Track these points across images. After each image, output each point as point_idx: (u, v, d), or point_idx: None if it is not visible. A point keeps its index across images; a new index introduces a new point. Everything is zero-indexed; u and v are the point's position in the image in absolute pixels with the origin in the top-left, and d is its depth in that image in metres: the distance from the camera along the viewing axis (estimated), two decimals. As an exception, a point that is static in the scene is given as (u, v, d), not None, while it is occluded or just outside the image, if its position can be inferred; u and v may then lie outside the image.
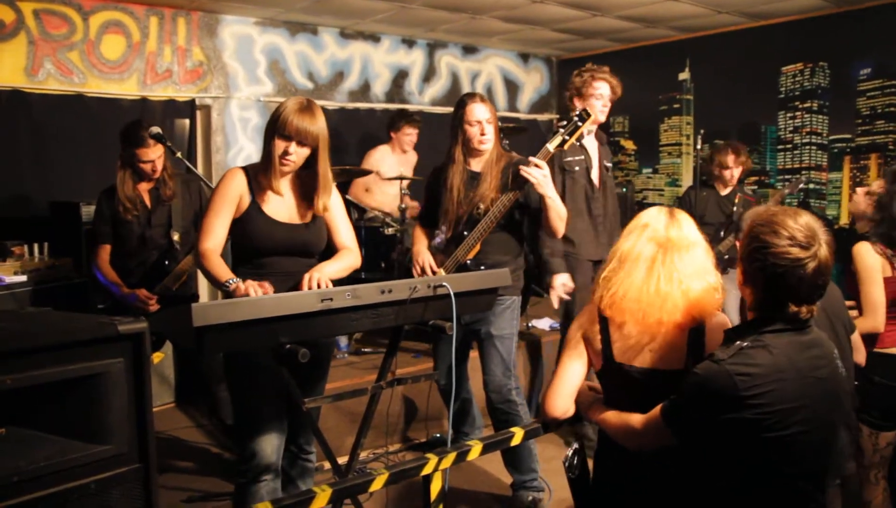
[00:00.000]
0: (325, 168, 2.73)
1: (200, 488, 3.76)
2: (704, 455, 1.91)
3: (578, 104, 3.98)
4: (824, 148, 5.99)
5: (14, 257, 4.23)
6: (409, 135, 5.81)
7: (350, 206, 5.37)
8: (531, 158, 3.19)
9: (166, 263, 3.81)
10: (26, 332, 1.79)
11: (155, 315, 3.59)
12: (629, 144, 7.47)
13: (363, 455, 4.11)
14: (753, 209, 3.17)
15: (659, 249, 2.10)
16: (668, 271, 2.07)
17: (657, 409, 1.96)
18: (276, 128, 2.62)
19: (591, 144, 4.14)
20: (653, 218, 2.17)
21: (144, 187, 3.80)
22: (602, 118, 4.05)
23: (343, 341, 4.71)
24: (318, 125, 2.66)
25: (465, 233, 3.36)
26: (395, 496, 3.66)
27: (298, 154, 2.66)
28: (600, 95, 4.00)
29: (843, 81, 5.83)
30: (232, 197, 2.67)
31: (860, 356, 2.98)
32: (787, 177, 6.18)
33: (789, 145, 6.19)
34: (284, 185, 2.75)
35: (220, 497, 3.65)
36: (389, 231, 5.03)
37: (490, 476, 3.98)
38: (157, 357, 4.06)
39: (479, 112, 3.36)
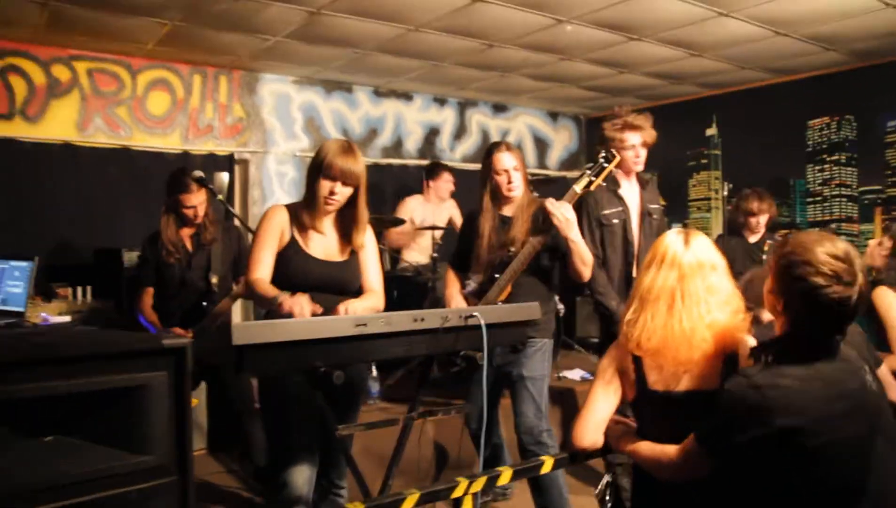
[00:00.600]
0: (363, 206, 2.84)
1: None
2: (739, 475, 1.91)
3: None
4: (854, 200, 5.99)
5: (59, 299, 4.38)
6: (448, 183, 5.92)
7: (382, 254, 5.47)
8: (557, 202, 3.24)
9: (204, 304, 3.92)
10: (77, 342, 1.88)
11: (197, 338, 3.68)
12: (660, 201, 7.52)
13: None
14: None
15: (678, 279, 2.12)
16: (689, 305, 2.09)
17: (691, 436, 1.97)
18: (321, 169, 2.73)
19: (629, 191, 3.96)
20: (669, 244, 2.20)
21: (186, 233, 3.95)
22: (638, 168, 3.91)
23: (374, 387, 4.74)
24: (360, 166, 2.78)
25: (497, 276, 3.42)
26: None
27: (342, 194, 2.77)
28: (631, 145, 3.82)
29: (870, 133, 5.88)
30: (275, 231, 2.78)
31: (892, 391, 2.94)
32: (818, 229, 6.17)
33: (819, 198, 6.21)
34: (324, 223, 2.85)
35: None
36: (420, 279, 5.11)
37: (522, 521, 3.92)
38: (194, 401, 4.13)
39: (505, 161, 3.44)
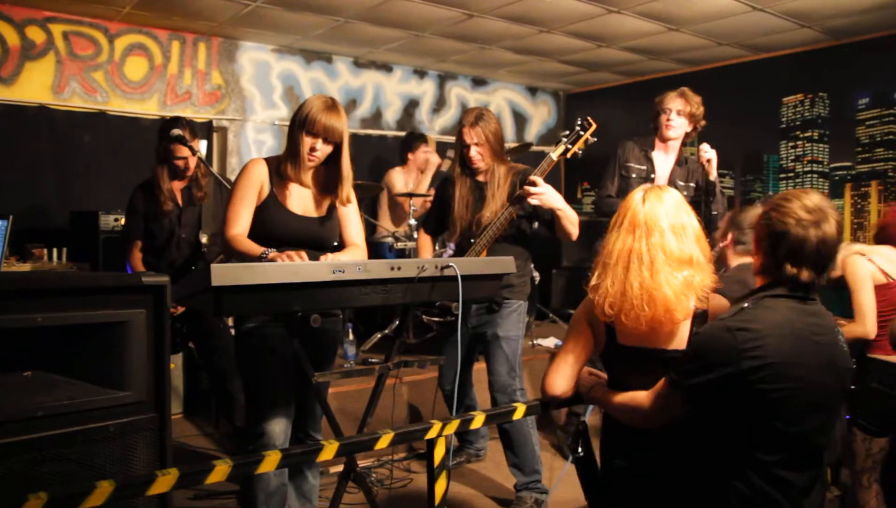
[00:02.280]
0: (347, 162, 2.85)
1: (207, 488, 3.79)
2: (706, 418, 1.96)
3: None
4: (826, 176, 6.11)
5: (34, 259, 4.36)
6: (425, 152, 5.94)
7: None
8: (530, 177, 3.27)
9: (193, 268, 3.91)
10: (57, 277, 1.90)
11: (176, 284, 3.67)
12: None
13: (368, 462, 4.15)
14: (753, 217, 3.28)
15: (634, 240, 2.13)
16: (642, 266, 2.10)
17: (662, 381, 2.01)
18: (303, 125, 2.73)
19: (659, 158, 4.26)
20: (630, 204, 2.20)
21: (178, 186, 3.90)
22: (671, 133, 4.20)
23: (351, 350, 4.78)
24: (343, 122, 2.78)
25: (472, 241, 3.46)
26: (398, 500, 3.70)
27: (323, 151, 2.77)
28: (667, 109, 4.18)
29: (842, 110, 5.99)
30: (254, 185, 2.78)
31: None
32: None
33: (791, 174, 6.32)
34: (304, 178, 2.85)
35: (226, 494, 3.69)
36: (399, 245, 5.14)
37: (494, 482, 4.00)
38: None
39: (466, 138, 3.47)
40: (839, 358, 1.97)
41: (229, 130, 6.20)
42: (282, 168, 2.82)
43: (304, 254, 2.52)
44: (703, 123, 4.24)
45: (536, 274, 4.81)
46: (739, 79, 6.63)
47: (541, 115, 8.19)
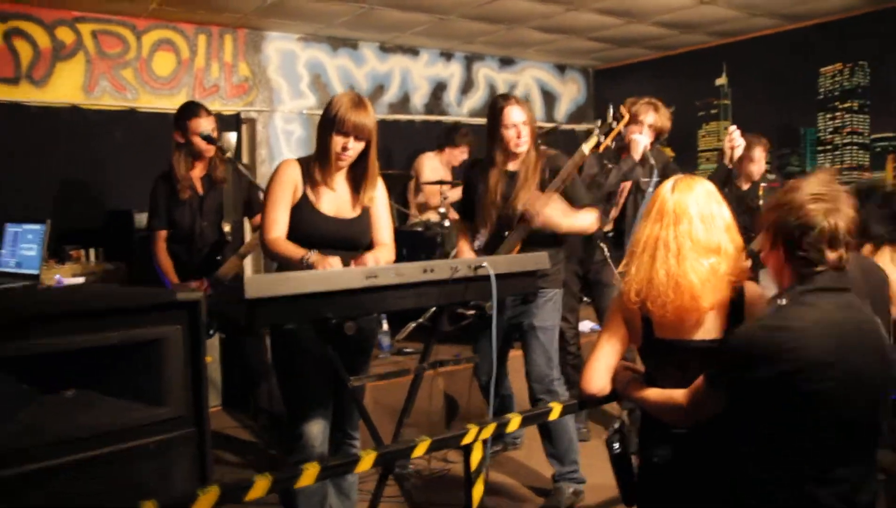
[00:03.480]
0: (374, 161, 2.84)
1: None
2: (746, 416, 1.93)
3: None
4: (866, 148, 5.94)
5: (72, 261, 4.44)
6: (464, 154, 5.90)
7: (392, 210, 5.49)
8: (522, 209, 3.29)
9: (218, 258, 3.93)
10: (93, 298, 1.92)
11: (214, 284, 3.68)
12: (667, 151, 7.47)
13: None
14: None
15: (661, 229, 2.12)
16: (668, 255, 2.08)
17: (700, 379, 1.99)
18: (333, 124, 2.71)
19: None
20: (661, 193, 2.19)
21: (197, 173, 3.89)
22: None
23: (385, 341, 4.79)
24: (372, 119, 2.77)
25: (506, 234, 3.43)
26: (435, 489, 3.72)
27: (355, 149, 2.76)
28: (641, 120, 4.04)
29: (883, 79, 5.80)
30: (288, 187, 2.77)
31: None
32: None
33: (829, 146, 6.15)
34: (336, 179, 2.85)
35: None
36: (429, 233, 5.14)
37: (531, 470, 4.00)
38: (209, 358, 4.18)
39: (515, 115, 3.39)
40: (882, 349, 1.93)
41: (258, 122, 6.21)
42: (312, 169, 2.81)
43: (339, 260, 2.53)
44: (665, 136, 4.21)
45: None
46: (775, 49, 6.45)
47: (570, 92, 8.07)
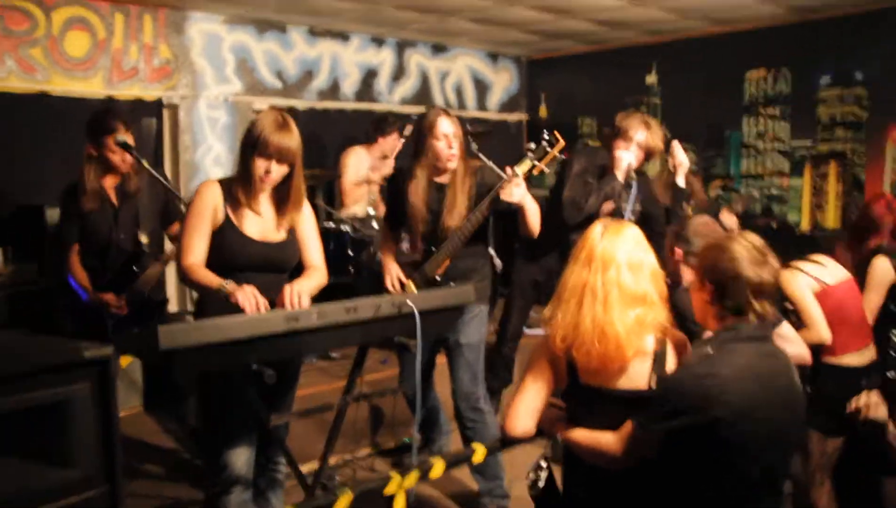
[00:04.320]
0: (299, 183, 2.74)
1: (170, 494, 3.75)
2: (670, 460, 1.98)
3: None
4: (787, 154, 6.13)
5: (-23, 263, 4.18)
6: (396, 142, 5.73)
7: (319, 210, 5.37)
8: (508, 171, 3.18)
9: (134, 268, 3.77)
10: (-6, 359, 1.80)
11: (121, 335, 3.56)
12: (597, 145, 7.56)
13: (332, 461, 4.14)
14: (698, 225, 3.27)
15: (589, 274, 2.13)
16: (595, 302, 2.10)
17: (628, 424, 2.03)
18: (255, 146, 2.61)
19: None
20: (589, 238, 2.20)
21: (110, 184, 3.69)
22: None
23: (311, 344, 4.73)
24: (296, 141, 2.67)
25: (433, 249, 3.38)
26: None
27: (278, 172, 2.66)
28: (630, 137, 3.80)
29: (804, 88, 5.97)
30: (208, 211, 2.67)
31: (796, 346, 3.04)
32: (749, 183, 6.31)
33: (753, 150, 6.32)
34: (261, 200, 2.75)
35: (190, 505, 3.66)
36: (358, 235, 5.06)
37: (456, 481, 4.03)
38: (124, 361, 4.03)
39: (446, 126, 3.31)
40: (796, 394, 2.04)
41: (180, 108, 5.94)
42: (234, 191, 2.71)
43: (262, 302, 2.43)
44: (655, 157, 3.98)
45: (498, 262, 4.78)
46: (703, 51, 6.57)
47: (502, 81, 8.03)
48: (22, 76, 5.20)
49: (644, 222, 4.01)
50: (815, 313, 3.17)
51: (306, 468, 3.65)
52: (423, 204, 3.39)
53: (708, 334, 2.16)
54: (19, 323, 4.12)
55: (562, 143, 3.19)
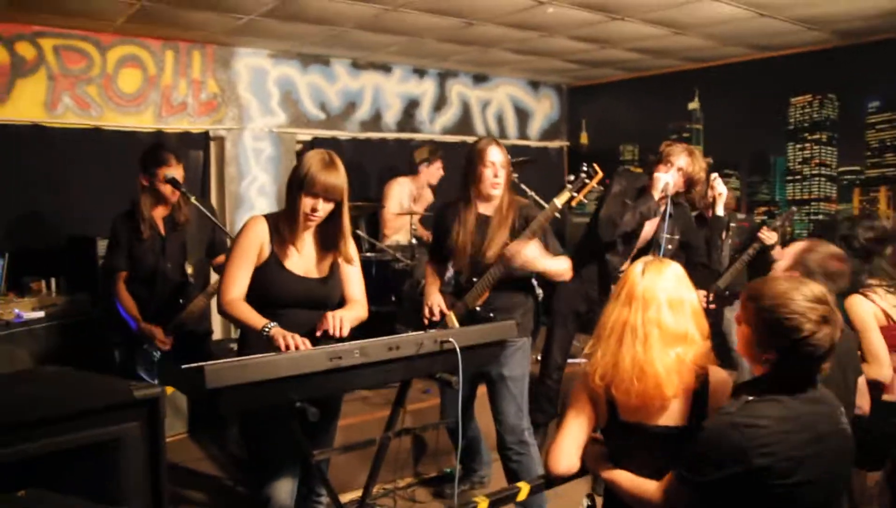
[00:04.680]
0: (346, 219, 2.79)
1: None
2: None
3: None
4: (834, 180, 6.01)
5: (32, 294, 4.32)
6: (440, 170, 5.88)
7: (361, 240, 5.43)
8: (505, 251, 3.25)
9: (180, 300, 3.86)
10: (48, 399, 1.86)
11: (168, 370, 3.63)
12: (638, 171, 7.51)
13: (372, 490, 4.14)
14: (756, 283, 3.19)
15: (630, 313, 2.12)
16: (636, 341, 2.09)
17: (670, 474, 2.00)
18: (302, 185, 2.66)
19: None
20: (629, 276, 2.19)
21: (160, 214, 3.81)
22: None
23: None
24: (342, 179, 2.72)
25: (475, 279, 3.41)
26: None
27: (325, 210, 2.71)
28: (670, 161, 3.85)
29: (851, 113, 5.86)
30: (253, 247, 2.72)
31: (864, 400, 2.99)
32: (794, 208, 6.20)
33: (798, 176, 6.21)
34: (305, 237, 2.80)
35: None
36: (400, 265, 5.10)
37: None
38: (169, 389, 4.11)
39: (495, 154, 3.39)
40: (844, 442, 1.97)
41: (227, 140, 6.09)
42: (280, 227, 2.76)
43: (305, 341, 2.47)
44: (699, 188, 3.92)
45: (539, 291, 4.77)
46: (746, 77, 6.49)
47: (543, 109, 8.05)
48: (77, 112, 5.39)
49: (683, 251, 4.00)
50: (877, 344, 3.06)
51: (347, 497, 3.69)
52: (469, 232, 3.42)
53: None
54: (71, 353, 4.23)
55: (600, 174, 3.23)
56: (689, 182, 3.88)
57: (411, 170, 5.93)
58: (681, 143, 4.01)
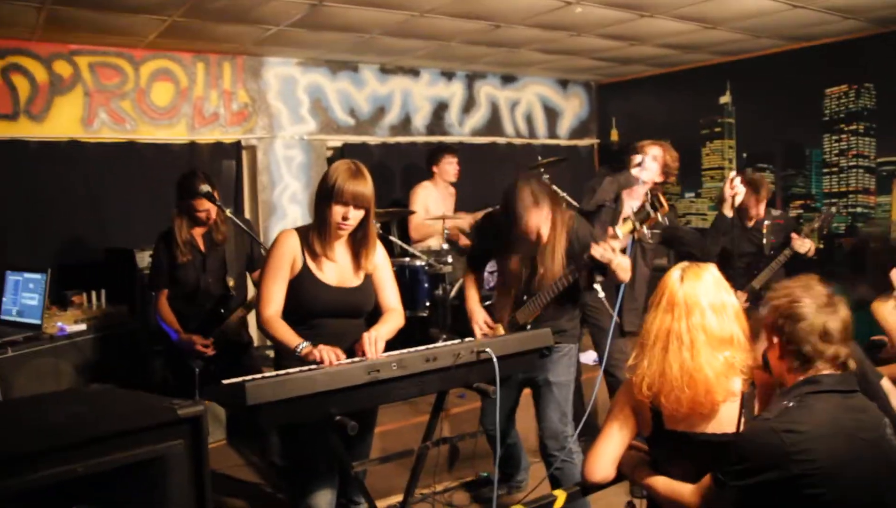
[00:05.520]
0: (372, 227, 2.83)
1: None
2: None
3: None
4: (872, 171, 5.88)
5: (74, 307, 4.41)
6: (451, 164, 5.87)
7: (393, 245, 5.46)
8: (609, 233, 3.12)
9: (222, 311, 3.91)
10: (94, 419, 1.90)
11: (210, 385, 3.68)
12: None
13: (411, 495, 4.16)
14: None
15: (672, 321, 2.11)
16: (682, 348, 2.08)
17: (707, 477, 1.98)
18: (331, 195, 2.69)
19: (626, 201, 4.15)
20: (668, 283, 2.18)
21: (199, 232, 3.88)
22: (642, 176, 4.12)
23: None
24: (370, 186, 2.74)
25: (525, 297, 3.37)
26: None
27: (355, 218, 2.74)
28: (646, 151, 4.11)
29: (890, 102, 5.72)
30: (286, 260, 2.76)
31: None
32: (832, 201, 6.09)
33: (835, 169, 6.09)
34: (336, 247, 2.83)
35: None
36: (433, 270, 5.12)
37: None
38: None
39: (532, 222, 3.20)
40: (889, 451, 1.92)
41: (258, 149, 6.16)
42: (311, 239, 2.79)
43: (338, 352, 2.50)
44: (672, 178, 4.21)
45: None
46: (779, 69, 6.37)
47: (573, 107, 8.00)
48: (113, 127, 5.49)
49: (667, 246, 4.28)
50: None
51: (384, 503, 3.70)
52: (515, 253, 3.34)
53: None
54: (113, 365, 4.32)
55: (665, 207, 3.10)
56: (666, 172, 4.11)
57: (429, 175, 5.96)
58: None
